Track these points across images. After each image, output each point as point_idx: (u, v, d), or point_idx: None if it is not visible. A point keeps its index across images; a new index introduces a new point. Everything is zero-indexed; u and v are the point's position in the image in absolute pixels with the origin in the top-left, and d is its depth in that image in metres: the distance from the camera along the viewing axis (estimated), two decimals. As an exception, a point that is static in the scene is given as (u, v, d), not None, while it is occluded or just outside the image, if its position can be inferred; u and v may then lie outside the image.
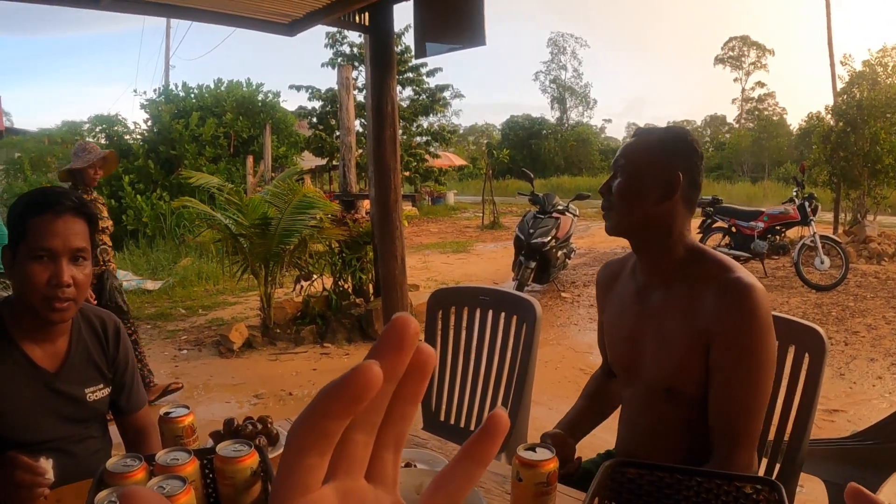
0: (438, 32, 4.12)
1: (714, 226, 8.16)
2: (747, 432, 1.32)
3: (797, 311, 6.18)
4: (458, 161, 28.49)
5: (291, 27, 4.70)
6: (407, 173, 18.34)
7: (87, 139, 12.67)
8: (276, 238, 5.25)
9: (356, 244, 5.74)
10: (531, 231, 6.94)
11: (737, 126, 44.65)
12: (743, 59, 46.16)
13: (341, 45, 17.66)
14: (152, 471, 1.14)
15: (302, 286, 5.83)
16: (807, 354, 1.62)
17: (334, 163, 15.91)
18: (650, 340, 1.43)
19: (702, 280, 1.35)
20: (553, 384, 4.39)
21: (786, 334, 1.65)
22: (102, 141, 12.73)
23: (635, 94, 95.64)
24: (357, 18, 4.62)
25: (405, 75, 18.12)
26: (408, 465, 1.34)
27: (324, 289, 5.94)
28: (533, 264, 6.83)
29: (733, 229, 7.93)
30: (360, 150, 10.53)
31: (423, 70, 18.65)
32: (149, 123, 13.24)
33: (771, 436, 1.68)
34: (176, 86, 13.97)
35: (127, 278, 7.74)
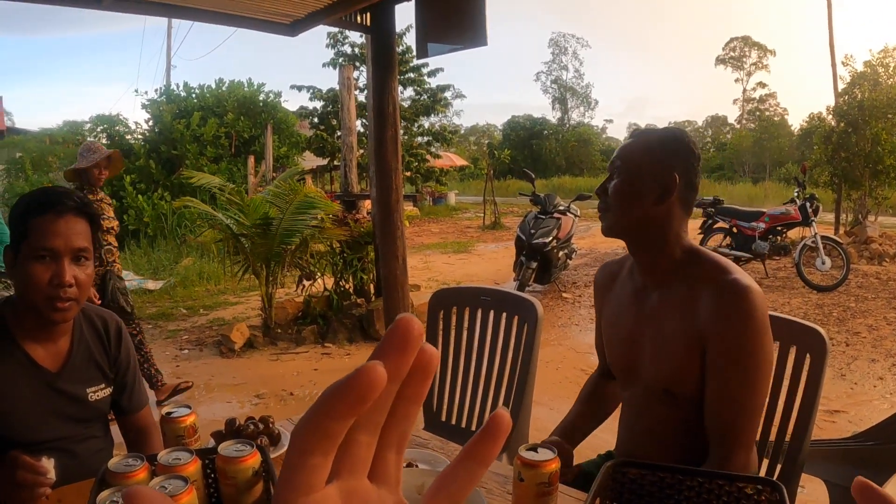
0: (440, 33, 4.12)
1: (715, 226, 8.14)
2: (744, 433, 1.32)
3: (798, 311, 6.18)
4: (460, 161, 28.52)
5: (293, 27, 4.70)
6: (408, 173, 18.35)
7: (89, 139, 12.70)
8: (278, 238, 5.25)
9: (357, 244, 5.74)
10: (532, 231, 6.93)
11: (738, 126, 44.61)
12: (744, 59, 46.15)
13: (342, 45, 17.68)
14: (154, 471, 1.14)
15: (304, 285, 5.83)
16: (808, 355, 1.62)
17: (335, 163, 15.92)
18: (648, 342, 1.43)
19: (699, 281, 1.35)
20: (554, 384, 4.39)
21: (787, 335, 1.65)
22: (104, 141, 12.73)
23: (636, 95, 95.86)
24: (358, 19, 4.62)
25: (406, 75, 18.13)
26: (409, 465, 1.34)
27: (325, 289, 5.94)
28: (534, 265, 6.83)
29: (734, 230, 7.92)
30: (362, 151, 10.54)
31: (425, 70, 18.68)
32: (150, 123, 13.25)
33: (772, 436, 1.68)
34: (177, 86, 13.99)
35: (128, 278, 7.73)
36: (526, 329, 2.04)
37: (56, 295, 1.39)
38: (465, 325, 2.25)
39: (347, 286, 5.93)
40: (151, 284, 7.92)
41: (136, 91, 29.55)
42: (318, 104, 17.27)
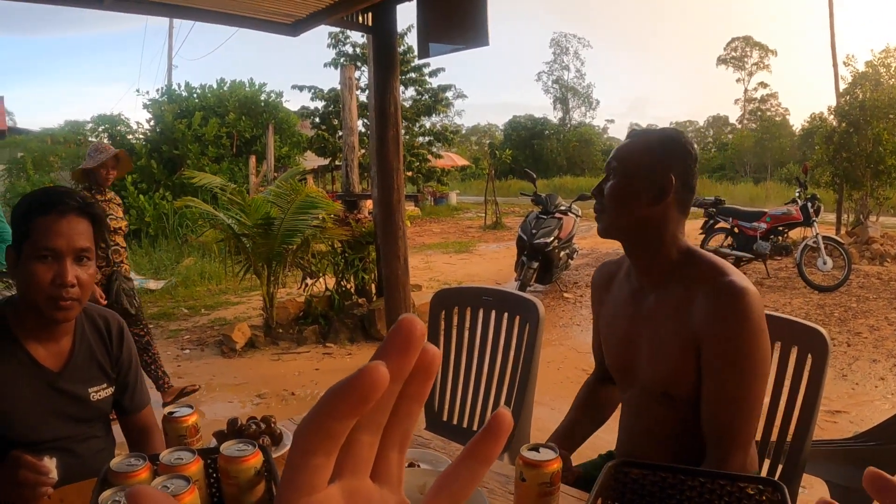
0: (441, 33, 4.12)
1: (716, 226, 8.14)
2: (741, 435, 1.32)
3: (800, 311, 6.17)
4: (461, 161, 28.50)
5: (294, 27, 4.70)
6: (409, 173, 18.34)
7: (90, 139, 12.72)
8: (279, 238, 5.25)
9: (359, 244, 5.74)
10: (534, 231, 6.93)
11: (739, 126, 44.55)
12: (745, 59, 46.08)
13: (344, 45, 17.67)
14: (156, 470, 1.14)
15: (308, 284, 5.83)
16: (809, 355, 1.62)
17: (337, 163, 15.91)
18: (645, 343, 1.43)
19: (695, 283, 1.35)
20: (555, 384, 4.38)
21: (788, 335, 1.65)
22: (105, 141, 12.75)
23: (638, 95, 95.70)
24: (360, 19, 4.62)
25: (408, 75, 18.12)
26: (411, 465, 1.34)
27: (326, 289, 5.94)
28: (535, 265, 6.82)
29: (736, 230, 7.92)
30: (363, 151, 10.52)
31: (426, 70, 18.67)
32: (151, 123, 13.27)
33: (774, 436, 1.68)
34: (179, 86, 14.02)
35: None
36: (527, 329, 2.04)
37: (58, 295, 1.39)
38: (467, 325, 2.25)
39: (349, 286, 5.93)
40: (153, 284, 7.93)
41: (138, 91, 29.52)
42: (320, 104, 17.27)
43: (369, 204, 6.08)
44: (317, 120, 17.32)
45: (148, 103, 13.33)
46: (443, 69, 19.17)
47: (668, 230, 1.39)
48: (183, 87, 13.84)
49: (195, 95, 13.64)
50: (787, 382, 1.65)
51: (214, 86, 13.85)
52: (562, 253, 7.23)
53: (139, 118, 44.72)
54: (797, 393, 1.64)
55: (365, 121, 12.91)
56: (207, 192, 7.30)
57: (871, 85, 9.93)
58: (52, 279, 1.38)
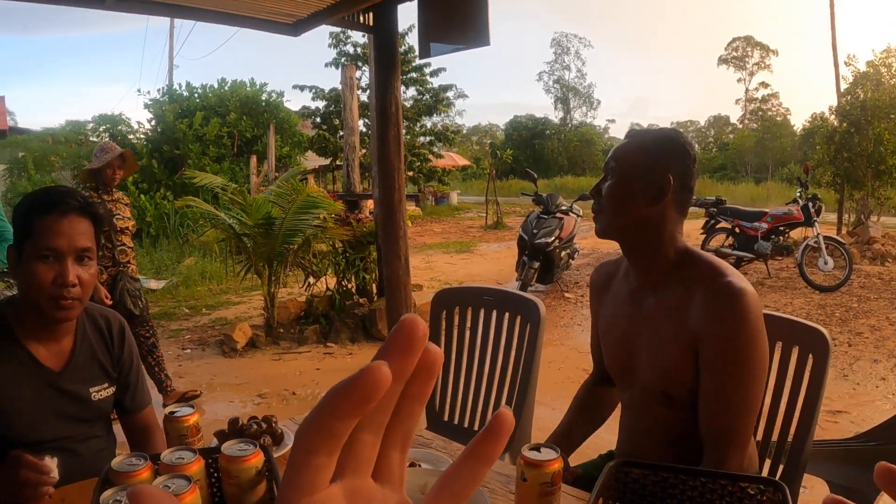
0: (442, 33, 4.13)
1: (717, 226, 8.13)
2: (738, 435, 1.32)
3: (801, 311, 6.17)
4: (462, 161, 28.49)
5: (295, 27, 4.70)
6: (410, 173, 18.35)
7: (92, 139, 12.73)
8: (280, 238, 5.25)
9: (360, 244, 5.74)
10: (535, 231, 6.93)
11: (740, 126, 44.53)
12: (746, 59, 46.07)
13: (345, 45, 17.69)
14: (157, 470, 1.14)
15: (310, 283, 5.83)
16: (810, 355, 1.61)
17: (338, 163, 15.91)
18: (644, 344, 1.42)
19: (693, 283, 1.34)
20: (556, 384, 4.38)
21: (789, 335, 1.65)
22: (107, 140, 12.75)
23: (639, 95, 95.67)
24: (361, 18, 4.63)
25: (409, 75, 18.12)
26: (412, 464, 1.34)
27: (327, 288, 5.94)
28: (536, 264, 6.82)
29: (737, 230, 7.91)
30: (364, 150, 10.52)
31: (427, 70, 18.69)
32: (152, 123, 13.27)
33: (775, 436, 1.68)
34: (180, 85, 14.03)
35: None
36: (528, 329, 2.04)
37: (59, 294, 1.39)
38: (468, 324, 2.25)
39: (350, 286, 5.93)
40: (154, 284, 7.93)
41: (139, 91, 29.57)
42: (321, 104, 17.29)
43: (370, 204, 6.08)
44: (318, 120, 17.33)
45: (149, 103, 13.35)
46: (444, 69, 19.22)
47: (666, 230, 1.38)
48: (184, 87, 13.86)
49: (196, 95, 13.65)
50: (789, 382, 1.65)
51: (215, 86, 13.86)
52: (563, 253, 7.23)
53: (140, 118, 44.76)
54: (798, 393, 1.64)
55: (366, 120, 12.90)
56: (208, 192, 7.29)
57: (872, 85, 9.92)
58: (53, 279, 1.38)
